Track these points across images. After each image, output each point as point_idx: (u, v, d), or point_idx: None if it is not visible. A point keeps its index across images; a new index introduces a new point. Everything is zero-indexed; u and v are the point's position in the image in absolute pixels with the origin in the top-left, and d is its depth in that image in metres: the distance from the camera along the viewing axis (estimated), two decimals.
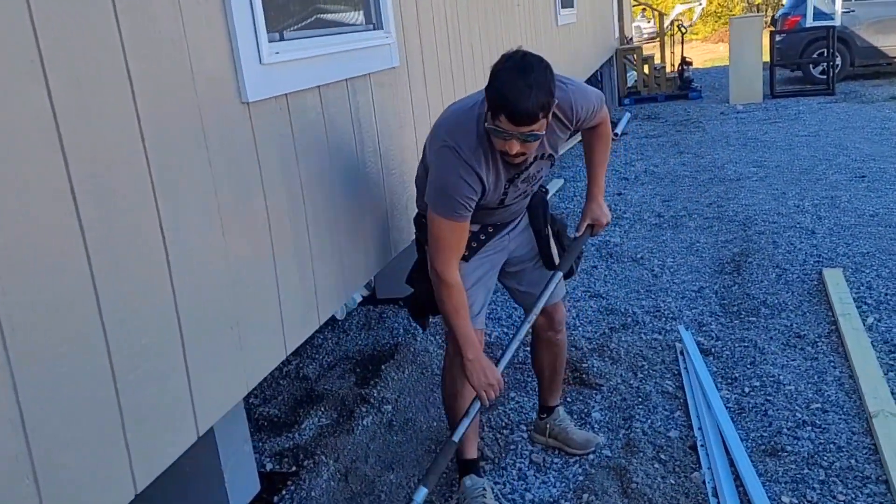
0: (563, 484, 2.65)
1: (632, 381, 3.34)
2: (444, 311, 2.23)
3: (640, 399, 3.19)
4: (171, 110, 1.71)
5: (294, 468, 2.91)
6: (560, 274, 2.49)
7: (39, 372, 1.35)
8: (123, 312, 1.55)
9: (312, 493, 2.72)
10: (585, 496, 2.54)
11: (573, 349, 3.72)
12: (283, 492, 2.79)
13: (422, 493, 2.05)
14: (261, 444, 3.13)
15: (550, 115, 2.05)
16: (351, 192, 2.63)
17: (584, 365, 3.50)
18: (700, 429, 2.89)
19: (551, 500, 2.57)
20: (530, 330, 2.57)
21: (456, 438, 2.22)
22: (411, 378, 3.56)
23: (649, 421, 3.00)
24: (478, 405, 2.25)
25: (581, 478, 2.67)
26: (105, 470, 1.53)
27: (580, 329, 3.97)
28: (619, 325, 3.96)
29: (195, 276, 1.77)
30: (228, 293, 1.89)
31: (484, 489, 2.50)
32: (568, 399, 3.25)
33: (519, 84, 1.91)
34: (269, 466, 2.95)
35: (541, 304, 2.45)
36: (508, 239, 2.50)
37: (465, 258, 2.35)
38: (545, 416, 2.86)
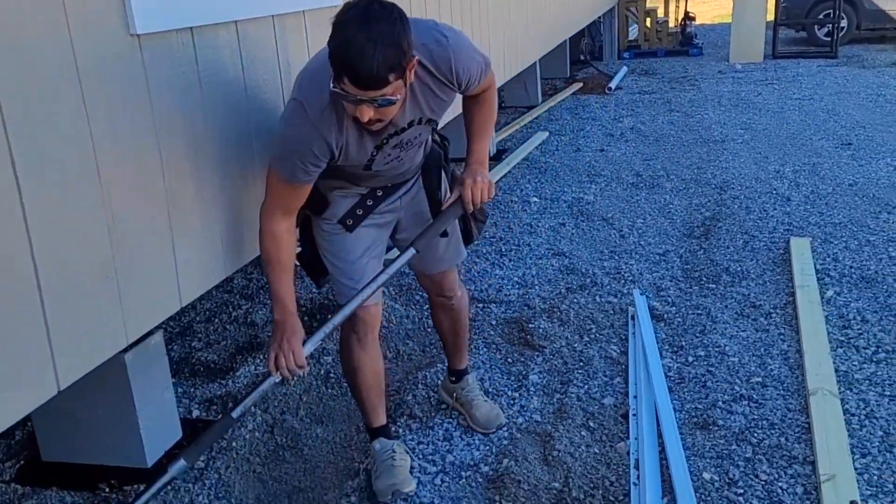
0: (487, 447, 2.60)
1: (576, 345, 3.27)
2: (262, 260, 2.07)
3: (581, 363, 3.12)
4: (33, 39, 1.58)
5: (220, 416, 2.86)
6: (411, 251, 2.17)
7: None
8: None
9: (234, 444, 2.67)
10: (506, 461, 2.49)
11: (525, 308, 3.66)
12: None
13: (178, 466, 1.90)
14: (193, 389, 3.08)
15: (417, 75, 1.85)
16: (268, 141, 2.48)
17: (530, 325, 3.44)
18: (635, 397, 2.83)
19: (472, 462, 2.52)
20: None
21: (234, 414, 1.99)
22: None
23: (586, 387, 2.95)
24: (271, 379, 2.00)
25: (506, 442, 2.62)
26: None
27: (536, 288, 3.90)
28: (577, 286, 3.88)
29: (60, 227, 1.67)
30: (103, 243, 1.79)
31: (393, 450, 2.42)
32: (509, 360, 3.19)
33: (360, 39, 1.62)
34: (195, 413, 2.90)
35: (378, 284, 2.12)
36: (400, 203, 2.29)
37: (348, 228, 2.20)
38: (453, 379, 2.76)
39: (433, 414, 2.80)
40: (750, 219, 4.71)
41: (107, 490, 2.42)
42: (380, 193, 2.22)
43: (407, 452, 2.49)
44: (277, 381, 1.98)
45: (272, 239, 2.01)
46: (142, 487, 2.38)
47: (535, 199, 5.39)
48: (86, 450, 2.54)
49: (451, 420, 2.77)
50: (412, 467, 2.47)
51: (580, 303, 3.67)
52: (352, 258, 2.21)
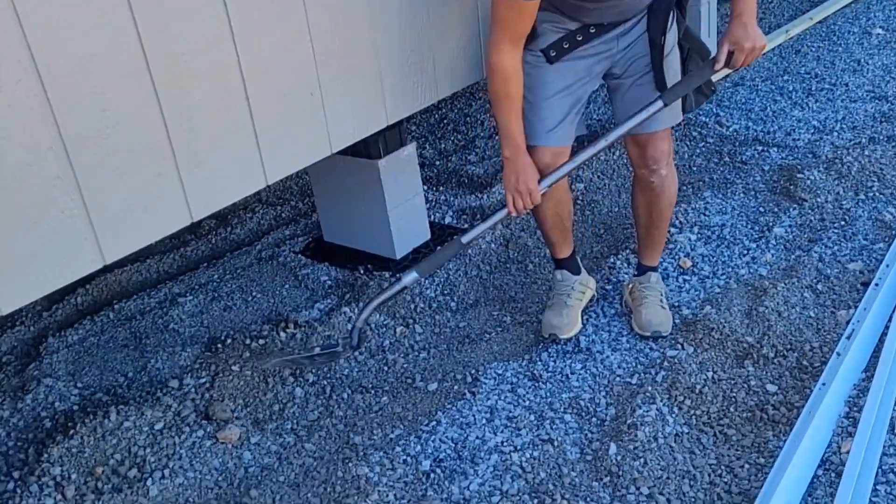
0: (696, 293, 2.59)
1: (845, 202, 2.98)
2: (490, 97, 2.11)
3: (841, 222, 2.86)
4: None
5: (466, 226, 3.19)
6: (659, 103, 2.06)
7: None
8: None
9: (469, 251, 2.97)
10: (707, 308, 2.47)
11: (809, 156, 3.36)
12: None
13: (411, 276, 2.14)
14: (454, 198, 3.42)
15: None
16: None
17: (800, 175, 3.17)
18: (888, 266, 2.56)
19: (675, 304, 2.55)
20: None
21: (464, 240, 2.14)
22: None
23: (836, 248, 2.72)
24: (503, 212, 2.12)
25: (717, 290, 2.58)
26: (160, 200, 1.90)
27: (834, 135, 3.53)
28: (884, 137, 3.43)
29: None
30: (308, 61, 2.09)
31: (572, 287, 2.44)
32: (761, 209, 3.02)
33: None
34: (448, 220, 3.26)
35: (615, 135, 2.09)
36: (616, 45, 2.13)
37: (550, 59, 2.12)
38: (636, 272, 2.55)
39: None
40: None
41: (362, 272, 2.90)
42: (592, 30, 2.09)
43: (588, 291, 2.50)
44: (513, 215, 2.12)
45: (501, 75, 2.04)
46: (387, 275, 2.84)
47: (879, 30, 4.66)
48: (353, 236, 3.05)
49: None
50: (590, 305, 2.53)
51: (874, 156, 3.26)
52: (545, 94, 2.14)
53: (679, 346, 2.33)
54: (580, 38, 2.11)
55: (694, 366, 2.23)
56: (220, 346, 2.51)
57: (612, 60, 2.16)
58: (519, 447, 2.04)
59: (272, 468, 2.09)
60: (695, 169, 3.47)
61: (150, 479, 2.03)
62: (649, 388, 2.16)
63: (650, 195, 2.33)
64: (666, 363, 2.26)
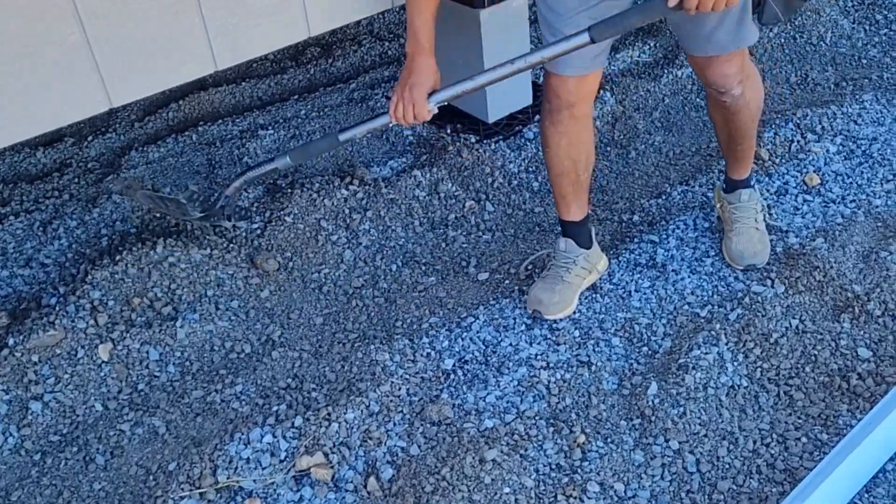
0: (803, 221, 2.22)
1: None
2: None
3: None
4: None
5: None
6: (585, 36, 1.61)
7: None
8: None
9: None
10: (818, 241, 2.11)
11: None
12: None
13: (284, 161, 1.99)
14: None
15: None
16: None
17: None
18: None
19: (779, 232, 2.19)
20: None
21: (341, 138, 1.89)
22: None
23: None
24: (385, 118, 1.81)
25: (838, 224, 2.20)
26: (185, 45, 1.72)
27: None
28: None
29: None
30: None
31: (573, 262, 2.00)
32: None
33: None
34: None
35: (533, 59, 1.69)
36: None
37: None
38: (725, 186, 2.16)
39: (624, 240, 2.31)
40: None
41: (448, 131, 2.68)
42: None
43: (594, 272, 2.06)
44: (391, 124, 1.82)
45: None
46: (472, 139, 2.61)
47: None
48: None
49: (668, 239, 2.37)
50: (596, 283, 2.08)
51: None
52: (563, 9, 1.71)
53: (768, 282, 2.01)
54: None
55: (779, 309, 1.93)
56: (281, 192, 2.42)
57: None
58: (552, 364, 1.86)
59: (299, 330, 2.03)
60: (864, 62, 2.92)
61: (181, 319, 2.02)
62: (717, 327, 1.89)
63: (724, 113, 1.95)
64: (746, 300, 1.96)
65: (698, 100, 2.81)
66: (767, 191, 2.33)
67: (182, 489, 1.63)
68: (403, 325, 2.01)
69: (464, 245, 2.28)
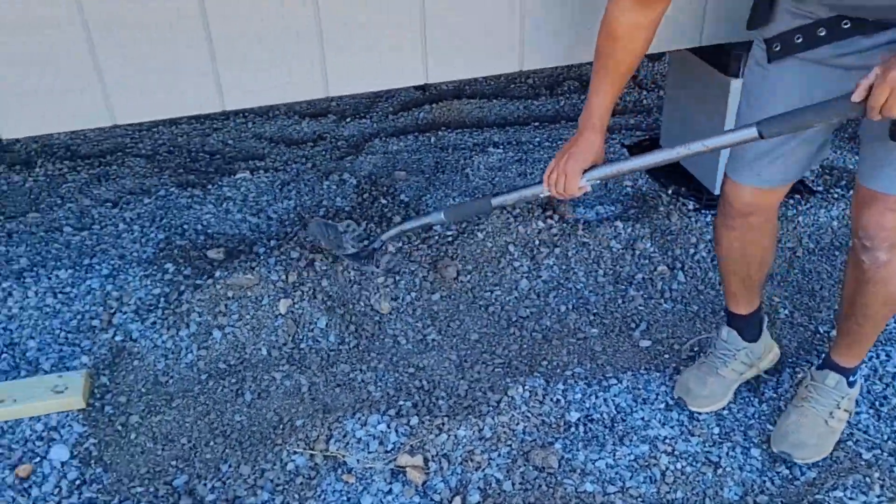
0: None
1: None
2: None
3: None
4: None
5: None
6: (753, 131, 1.45)
7: None
8: None
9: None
10: None
11: None
12: None
13: (438, 217, 1.98)
14: None
15: None
16: None
17: None
18: None
19: None
20: None
21: (493, 203, 1.86)
22: None
23: None
24: (540, 187, 1.75)
25: None
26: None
27: None
28: None
29: None
30: None
31: (732, 354, 1.88)
32: None
33: None
34: None
35: (688, 150, 1.57)
36: (874, 56, 1.35)
37: (771, 54, 1.52)
38: (817, 365, 1.84)
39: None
40: None
41: (669, 192, 2.62)
42: (846, 25, 1.39)
43: (753, 368, 1.93)
44: (545, 194, 1.75)
45: (607, 29, 1.58)
46: (690, 206, 2.53)
47: None
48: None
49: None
50: (743, 385, 1.93)
51: None
52: (756, 101, 1.57)
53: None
54: (822, 34, 1.44)
55: None
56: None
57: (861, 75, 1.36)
58: (677, 452, 1.78)
59: (453, 339, 2.12)
60: None
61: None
62: (875, 475, 1.68)
63: (858, 275, 1.62)
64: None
65: None
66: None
67: (298, 445, 1.79)
68: (548, 365, 2.03)
69: (640, 307, 2.23)
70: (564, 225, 2.44)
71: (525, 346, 2.11)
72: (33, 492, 1.72)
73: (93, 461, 1.79)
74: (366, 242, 2.27)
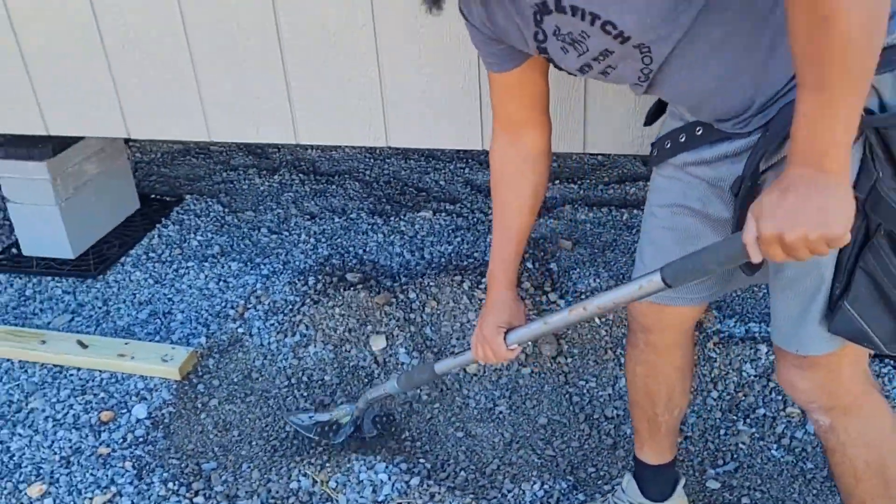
0: None
1: None
2: None
3: None
4: None
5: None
6: (657, 278, 1.19)
7: None
8: None
9: None
10: None
11: None
12: None
13: (392, 386, 1.79)
14: None
15: None
16: None
17: None
18: None
19: None
20: None
21: (437, 369, 1.67)
22: None
23: None
24: (468, 354, 1.57)
25: None
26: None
27: None
28: None
29: None
30: None
31: None
32: None
33: None
34: None
35: (598, 303, 1.29)
36: (723, 170, 1.23)
37: (652, 157, 1.37)
38: None
39: None
40: None
41: None
42: (699, 132, 1.26)
43: None
44: (475, 363, 1.61)
45: (493, 170, 1.45)
46: None
47: None
48: None
49: None
50: None
51: None
52: (651, 206, 1.39)
53: None
54: (682, 140, 1.29)
55: None
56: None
57: (715, 189, 1.26)
58: None
59: (519, 418, 2.02)
60: None
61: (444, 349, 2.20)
62: None
63: (831, 452, 1.34)
64: None
65: None
66: None
67: (309, 468, 1.85)
68: (591, 473, 1.83)
69: (741, 446, 1.90)
70: (698, 334, 2.17)
71: (586, 446, 1.93)
72: (103, 435, 2.02)
73: (161, 426, 2.04)
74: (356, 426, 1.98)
